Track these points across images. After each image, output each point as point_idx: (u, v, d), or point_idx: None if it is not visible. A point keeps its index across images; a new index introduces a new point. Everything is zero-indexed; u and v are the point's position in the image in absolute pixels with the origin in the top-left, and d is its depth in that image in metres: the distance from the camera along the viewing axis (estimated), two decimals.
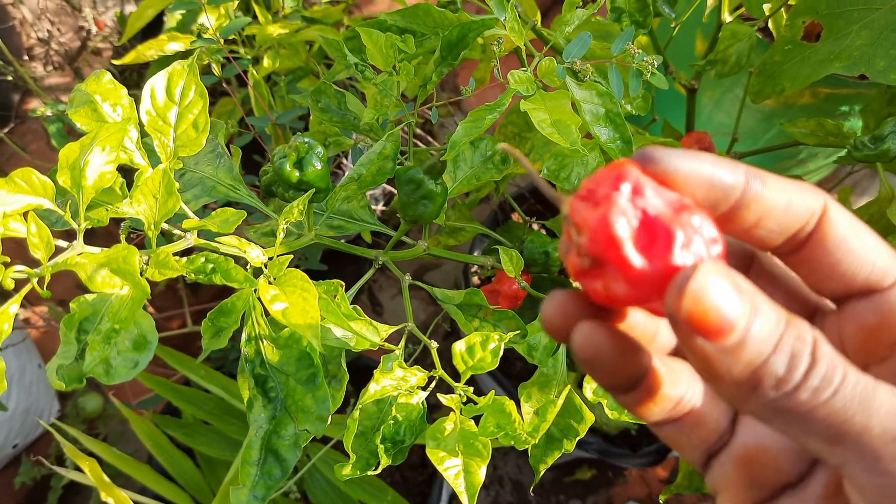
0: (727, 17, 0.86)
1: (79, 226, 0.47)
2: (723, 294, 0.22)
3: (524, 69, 0.60)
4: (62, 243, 0.47)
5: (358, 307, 0.56)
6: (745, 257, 0.31)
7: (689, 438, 0.31)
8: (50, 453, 1.44)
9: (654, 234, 0.24)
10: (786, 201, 0.27)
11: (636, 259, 0.24)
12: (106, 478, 0.89)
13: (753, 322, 0.22)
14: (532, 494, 1.53)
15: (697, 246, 0.24)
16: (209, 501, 1.09)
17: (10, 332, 0.42)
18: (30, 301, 1.50)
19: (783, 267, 0.31)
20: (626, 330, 0.28)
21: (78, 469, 1.05)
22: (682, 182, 0.26)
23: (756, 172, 0.27)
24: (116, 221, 1.62)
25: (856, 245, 0.27)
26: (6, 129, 1.67)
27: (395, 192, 1.11)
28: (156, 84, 0.52)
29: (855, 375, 0.23)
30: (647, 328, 0.30)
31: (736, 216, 0.27)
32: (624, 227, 0.24)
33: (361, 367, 1.18)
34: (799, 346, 0.23)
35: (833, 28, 0.78)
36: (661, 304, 0.24)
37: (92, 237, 1.60)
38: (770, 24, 0.87)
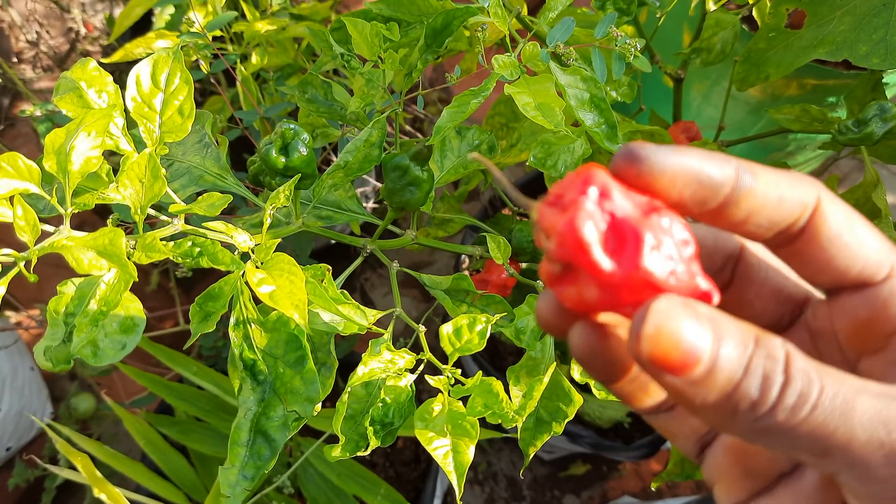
0: (711, 5, 0.87)
1: (65, 210, 0.47)
2: (681, 328, 0.22)
3: (508, 54, 0.61)
4: (49, 228, 0.47)
5: (345, 291, 0.57)
6: (732, 258, 0.31)
7: (680, 427, 0.31)
8: (43, 454, 1.44)
9: (622, 237, 0.24)
10: (777, 196, 0.26)
11: (605, 262, 0.23)
12: (98, 474, 0.89)
13: (720, 348, 0.22)
14: (522, 477, 1.53)
15: (668, 247, 0.24)
16: (203, 498, 1.09)
17: None
18: (22, 304, 1.49)
19: (770, 263, 0.31)
20: (615, 322, 0.28)
21: (72, 468, 1.05)
22: (670, 178, 0.25)
23: (747, 166, 0.26)
24: (102, 215, 1.61)
25: (850, 240, 0.27)
26: None
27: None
28: (141, 71, 0.53)
29: (833, 387, 0.23)
30: None
31: (725, 212, 0.26)
32: (592, 230, 0.23)
33: (354, 364, 1.18)
34: (770, 366, 0.22)
35: (816, 15, 0.79)
36: (632, 309, 0.24)
37: (79, 229, 1.60)
38: (754, 13, 0.88)
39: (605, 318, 0.27)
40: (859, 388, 0.23)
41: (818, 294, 0.31)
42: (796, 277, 0.31)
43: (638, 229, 0.24)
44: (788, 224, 0.27)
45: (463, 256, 1.39)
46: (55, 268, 1.36)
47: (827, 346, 0.30)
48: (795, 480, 0.29)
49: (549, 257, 0.25)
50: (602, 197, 0.24)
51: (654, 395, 0.30)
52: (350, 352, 1.29)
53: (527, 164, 0.73)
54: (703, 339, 0.22)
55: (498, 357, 1.34)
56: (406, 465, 1.33)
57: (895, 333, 0.27)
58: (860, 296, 0.28)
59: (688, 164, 0.25)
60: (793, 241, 0.27)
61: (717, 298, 0.24)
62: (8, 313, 1.49)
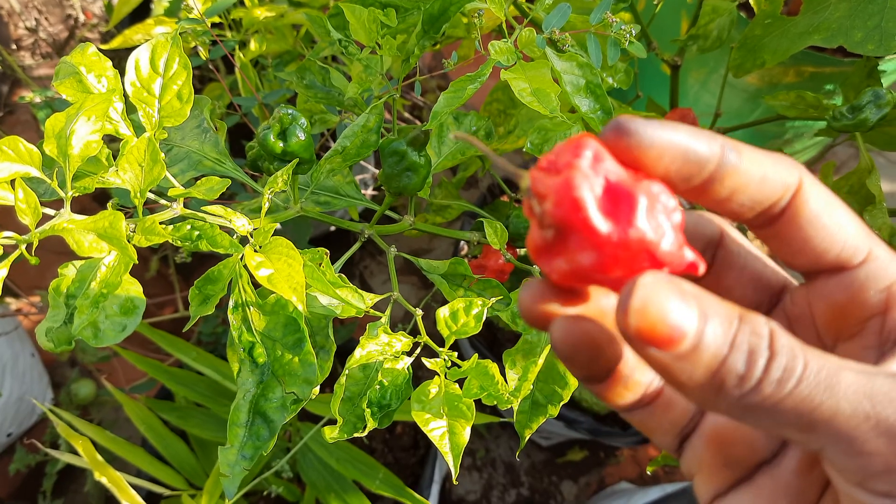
0: None
1: (66, 194, 0.48)
2: (668, 303, 0.22)
3: (505, 40, 0.61)
4: (50, 211, 0.48)
5: (343, 275, 0.57)
6: (712, 243, 0.31)
7: (659, 422, 0.31)
8: (44, 440, 1.45)
9: (617, 199, 0.24)
10: (760, 175, 0.26)
11: (601, 222, 0.23)
12: (99, 457, 0.89)
13: (705, 325, 0.22)
14: (518, 459, 1.54)
15: (660, 213, 0.24)
16: (202, 483, 1.10)
17: None
18: (23, 290, 1.50)
19: (749, 250, 0.31)
20: (599, 317, 0.28)
21: (73, 453, 1.06)
22: (657, 152, 0.25)
23: (733, 144, 0.26)
24: (102, 201, 1.61)
25: (829, 222, 0.27)
26: None
27: None
28: (140, 56, 0.53)
29: (817, 361, 0.23)
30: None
31: (709, 189, 0.26)
32: (587, 190, 0.23)
33: (353, 350, 1.19)
34: (755, 342, 0.23)
35: (812, 1, 0.79)
36: (623, 273, 0.24)
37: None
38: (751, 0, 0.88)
39: (588, 308, 0.28)
40: (842, 365, 0.23)
41: (794, 282, 0.31)
42: (774, 265, 0.31)
43: (632, 192, 0.24)
44: (771, 204, 0.27)
45: (462, 243, 1.40)
46: (57, 255, 1.36)
47: (805, 333, 0.30)
48: (774, 468, 0.29)
49: (542, 223, 0.25)
50: (596, 160, 0.24)
51: (633, 390, 0.30)
52: (349, 338, 1.30)
53: (524, 150, 0.73)
54: (689, 314, 0.22)
55: (497, 344, 1.35)
56: (405, 450, 1.34)
57: (871, 317, 0.28)
58: (837, 280, 0.28)
59: (675, 139, 0.25)
60: (774, 221, 0.28)
61: (702, 269, 0.25)
62: (8, 300, 1.50)
